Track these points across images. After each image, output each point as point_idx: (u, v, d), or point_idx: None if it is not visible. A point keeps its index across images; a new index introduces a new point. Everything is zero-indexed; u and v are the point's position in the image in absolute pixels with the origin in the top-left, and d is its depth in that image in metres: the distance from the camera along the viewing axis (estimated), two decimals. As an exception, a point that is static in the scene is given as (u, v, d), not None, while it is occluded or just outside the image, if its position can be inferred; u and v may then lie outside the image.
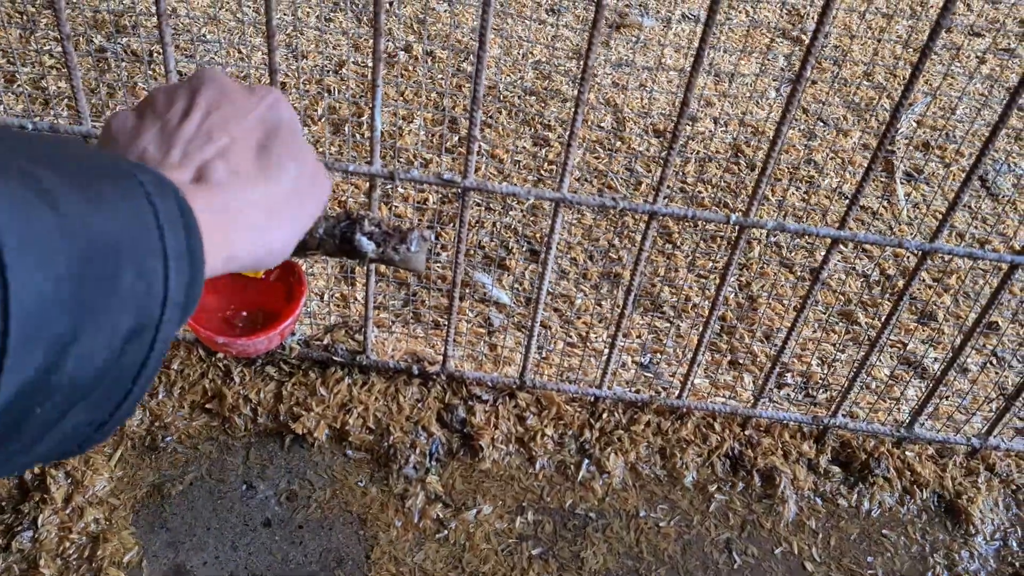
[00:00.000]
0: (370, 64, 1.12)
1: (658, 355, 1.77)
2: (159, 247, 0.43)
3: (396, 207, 1.97)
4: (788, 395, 1.72)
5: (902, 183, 2.24)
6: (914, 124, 2.43)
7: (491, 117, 2.22)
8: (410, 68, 2.34)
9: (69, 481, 1.43)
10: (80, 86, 1.22)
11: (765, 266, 1.97)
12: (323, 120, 2.15)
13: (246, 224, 0.54)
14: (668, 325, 1.83)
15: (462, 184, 1.26)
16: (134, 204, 0.43)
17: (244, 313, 0.98)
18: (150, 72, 2.19)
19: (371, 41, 2.25)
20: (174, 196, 0.46)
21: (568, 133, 1.18)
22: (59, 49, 2.14)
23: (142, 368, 0.43)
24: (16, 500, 1.41)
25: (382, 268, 1.75)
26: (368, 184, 1.31)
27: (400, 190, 2.01)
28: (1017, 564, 1.53)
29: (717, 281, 1.44)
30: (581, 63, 1.19)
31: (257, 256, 0.55)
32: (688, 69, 1.04)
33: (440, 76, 2.33)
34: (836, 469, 1.59)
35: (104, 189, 0.41)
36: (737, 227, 1.29)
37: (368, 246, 0.98)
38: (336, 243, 0.96)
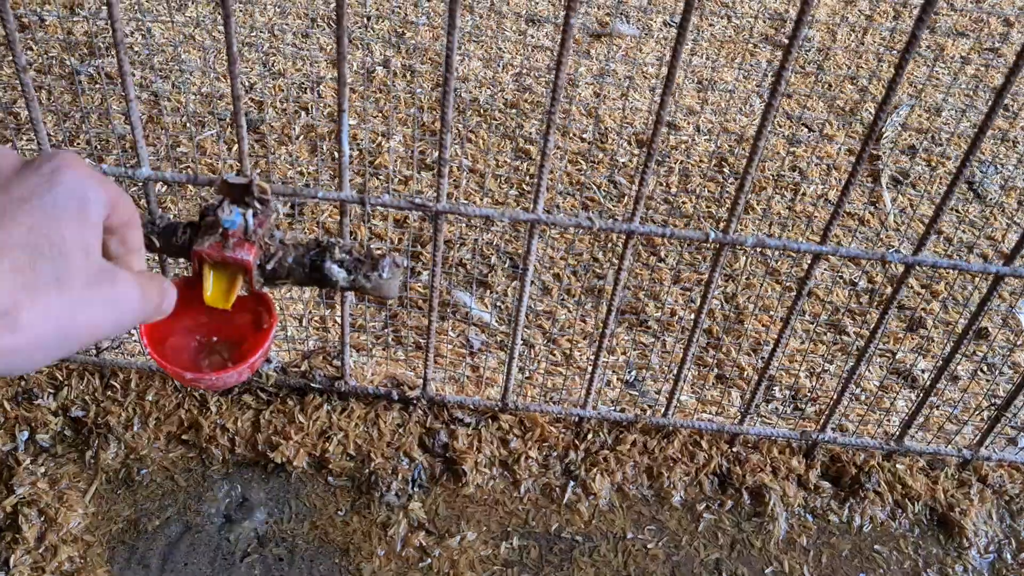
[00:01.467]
0: (348, 82, 1.09)
1: (643, 372, 1.74)
2: None
3: (376, 225, 1.94)
4: (776, 409, 1.69)
5: (888, 188, 2.21)
6: (899, 128, 2.41)
7: (471, 131, 2.20)
8: (388, 83, 2.32)
9: (42, 519, 1.39)
10: (39, 116, 1.19)
11: (751, 277, 1.94)
12: (300, 140, 2.12)
13: None
14: (653, 340, 1.80)
15: (435, 208, 1.23)
16: None
17: (215, 346, 0.95)
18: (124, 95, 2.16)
19: (348, 62, 2.22)
20: None
21: (540, 154, 1.15)
22: (31, 75, 2.12)
23: None
24: (-12, 540, 1.37)
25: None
26: (340, 209, 1.28)
27: (380, 209, 1.98)
28: (1012, 577, 1.50)
29: (701, 295, 1.41)
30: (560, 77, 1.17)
31: None
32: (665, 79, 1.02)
33: (419, 91, 2.30)
34: (826, 484, 1.57)
35: None
36: (717, 244, 1.27)
37: (339, 274, 0.95)
38: (306, 272, 0.93)
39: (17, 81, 2.15)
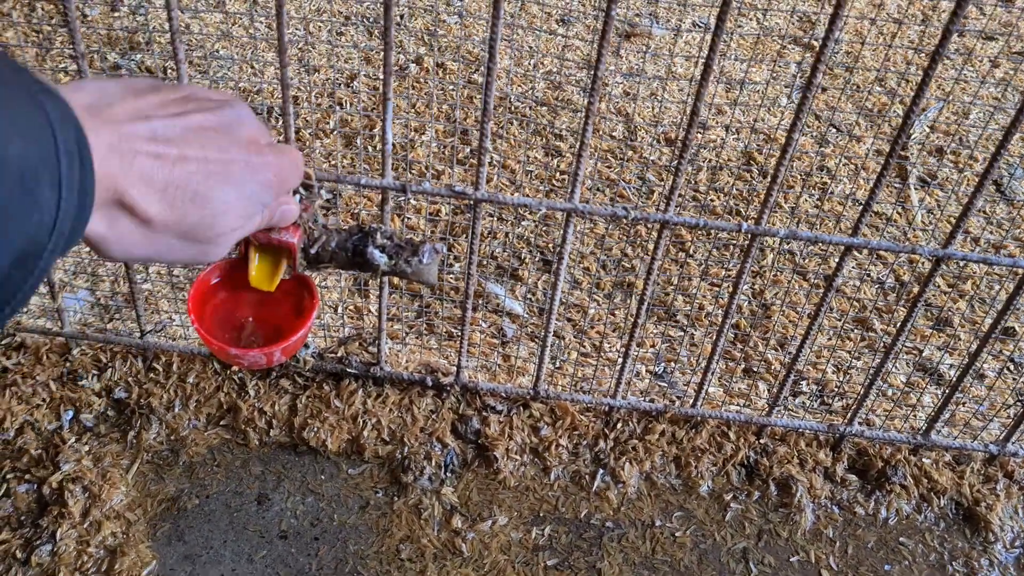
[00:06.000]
0: (381, 77, 1.13)
1: (672, 364, 1.76)
2: (55, 177, 0.43)
3: (409, 219, 1.98)
4: (803, 403, 1.71)
5: (916, 189, 2.23)
6: (927, 129, 2.42)
7: (503, 128, 2.23)
8: (421, 80, 2.36)
9: (86, 495, 1.44)
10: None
11: (778, 273, 1.96)
12: (335, 133, 2.16)
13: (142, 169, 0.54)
14: (682, 334, 1.83)
15: (474, 196, 1.26)
16: (39, 132, 0.43)
17: (258, 326, 0.99)
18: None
19: (382, 54, 2.27)
20: (74, 128, 0.46)
21: (579, 144, 1.18)
22: (74, 67, 2.16)
23: (16, 292, 0.44)
24: (35, 514, 1.42)
25: (395, 280, 1.76)
26: (380, 197, 1.31)
27: (413, 202, 2.02)
28: (1037, 572, 1.51)
29: (730, 289, 1.44)
30: (591, 73, 1.19)
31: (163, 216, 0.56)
32: (699, 77, 1.04)
33: (451, 88, 2.34)
34: (853, 477, 1.58)
35: (14, 113, 0.41)
36: (749, 235, 1.29)
37: (380, 259, 0.98)
38: (348, 256, 0.97)
39: (61, 73, 2.20)
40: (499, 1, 1.02)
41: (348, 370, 1.57)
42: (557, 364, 1.72)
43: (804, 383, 1.75)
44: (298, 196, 0.89)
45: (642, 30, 2.64)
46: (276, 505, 1.48)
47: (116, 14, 2.43)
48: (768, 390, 1.72)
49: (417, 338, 1.73)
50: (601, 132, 2.26)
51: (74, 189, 0.45)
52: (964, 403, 1.73)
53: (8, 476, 1.46)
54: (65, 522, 1.40)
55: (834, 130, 2.39)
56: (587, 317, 1.83)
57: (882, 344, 1.84)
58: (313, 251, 0.94)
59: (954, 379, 1.50)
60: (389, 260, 0.99)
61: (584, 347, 1.77)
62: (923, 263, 2.02)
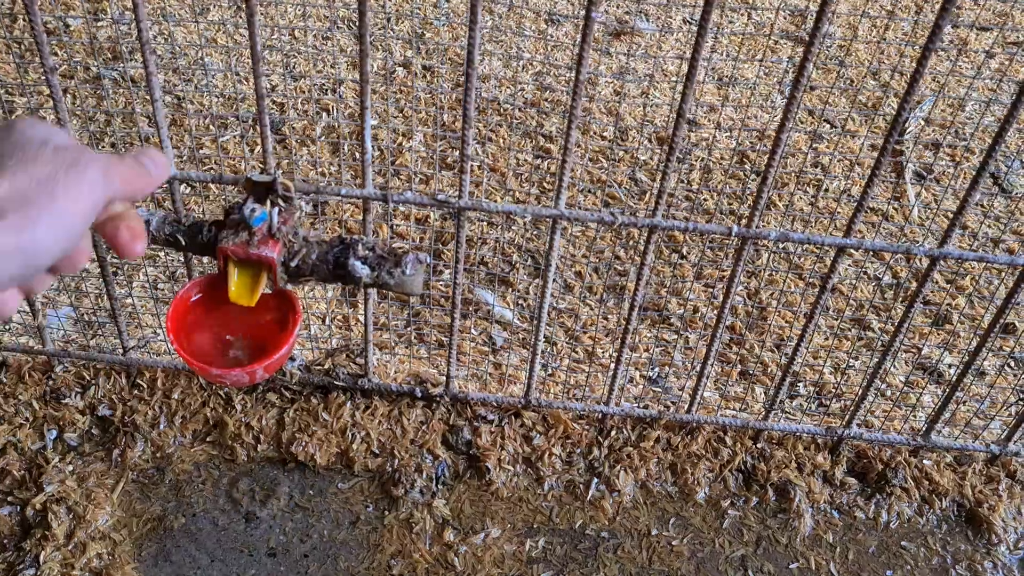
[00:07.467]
0: (369, 81, 1.10)
1: (666, 368, 1.73)
2: None
3: (398, 225, 1.95)
4: (801, 405, 1.68)
5: (912, 183, 2.20)
6: (922, 123, 2.39)
7: (491, 131, 2.20)
8: (408, 84, 2.33)
9: (71, 516, 1.41)
10: (67, 117, 1.20)
11: (773, 273, 1.93)
12: (322, 140, 2.13)
13: None
14: (676, 337, 1.80)
15: (457, 204, 1.23)
16: None
17: (240, 343, 0.96)
18: (147, 98, 2.18)
19: (368, 58, 2.23)
20: None
21: (563, 148, 1.15)
22: (58, 80, 2.14)
23: None
24: (18, 537, 1.39)
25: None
26: (363, 206, 1.28)
27: (401, 208, 1.99)
28: (1042, 573, 1.49)
29: (724, 291, 1.41)
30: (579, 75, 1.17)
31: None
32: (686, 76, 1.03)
33: (439, 91, 2.31)
34: (852, 480, 1.56)
35: None
36: (740, 239, 1.26)
37: (362, 271, 0.95)
38: (329, 269, 0.94)
39: (43, 86, 2.17)
40: (476, 8, 0.99)
41: (336, 383, 1.54)
42: (549, 371, 1.70)
43: (801, 385, 1.72)
44: (277, 208, 0.86)
45: (631, 27, 2.61)
46: (264, 522, 1.45)
47: (98, 24, 2.40)
48: (764, 393, 1.70)
49: (406, 348, 1.70)
50: (591, 133, 2.23)
51: None
52: (965, 402, 1.70)
53: (-10, 499, 1.43)
54: (49, 544, 1.37)
55: (827, 125, 2.36)
56: (579, 322, 1.80)
57: (880, 343, 1.81)
58: (293, 264, 0.91)
59: (954, 378, 1.48)
60: (371, 272, 0.96)
61: (576, 353, 1.74)
62: (920, 258, 1.99)
